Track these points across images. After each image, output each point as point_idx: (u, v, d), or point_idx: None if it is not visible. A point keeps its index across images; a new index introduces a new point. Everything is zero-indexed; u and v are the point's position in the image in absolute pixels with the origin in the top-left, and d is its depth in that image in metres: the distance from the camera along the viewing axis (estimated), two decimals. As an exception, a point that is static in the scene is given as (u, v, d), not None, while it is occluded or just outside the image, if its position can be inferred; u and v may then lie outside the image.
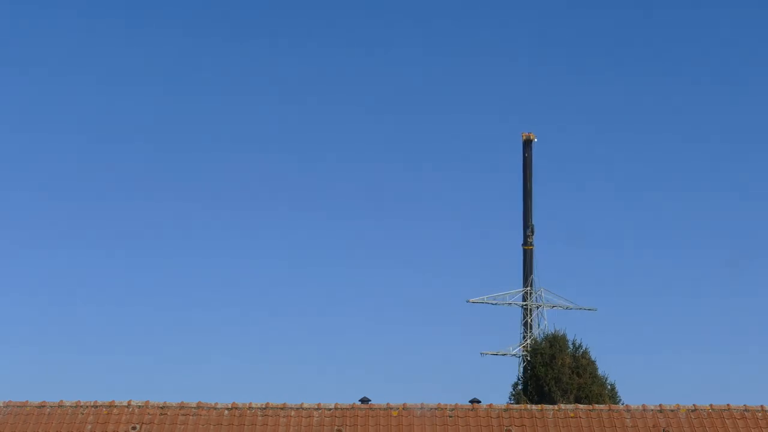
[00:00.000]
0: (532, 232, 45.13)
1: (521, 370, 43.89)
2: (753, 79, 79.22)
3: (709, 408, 31.69)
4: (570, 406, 31.79)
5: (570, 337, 42.93)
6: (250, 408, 31.35)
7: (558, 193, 76.53)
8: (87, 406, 31.30)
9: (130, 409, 31.20)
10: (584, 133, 78.59)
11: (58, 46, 78.74)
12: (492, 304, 44.37)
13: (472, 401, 32.21)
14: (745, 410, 31.67)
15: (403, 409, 31.45)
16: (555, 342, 42.72)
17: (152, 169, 77.30)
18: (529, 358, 43.38)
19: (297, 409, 31.33)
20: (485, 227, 75.29)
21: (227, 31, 79.20)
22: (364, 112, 79.60)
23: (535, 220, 48.73)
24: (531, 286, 46.90)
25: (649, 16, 79.68)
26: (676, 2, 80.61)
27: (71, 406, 31.25)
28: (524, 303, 47.72)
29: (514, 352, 43.64)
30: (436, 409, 31.45)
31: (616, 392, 42.61)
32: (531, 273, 47.17)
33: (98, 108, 77.20)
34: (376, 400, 31.96)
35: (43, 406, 31.25)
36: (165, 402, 31.44)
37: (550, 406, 31.89)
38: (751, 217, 75.86)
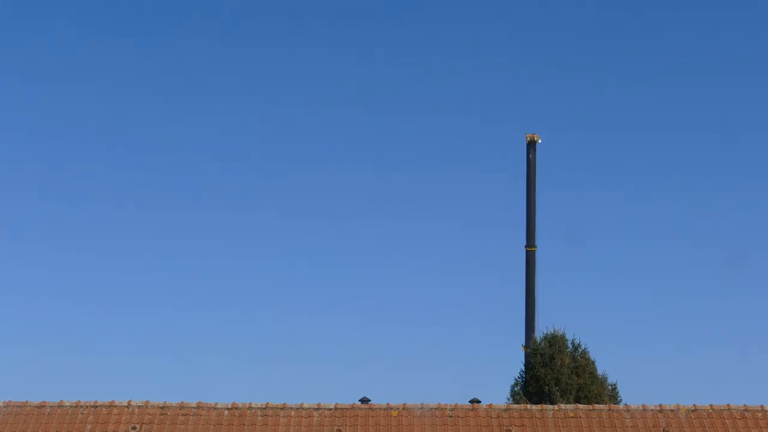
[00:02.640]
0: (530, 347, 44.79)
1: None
2: (755, 79, 79.05)
3: (709, 408, 31.69)
4: (570, 406, 31.80)
5: (569, 337, 42.92)
6: (250, 408, 31.35)
7: (558, 193, 76.37)
8: (87, 406, 31.30)
9: (130, 409, 31.20)
10: (585, 134, 78.45)
11: (52, 52, 78.53)
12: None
13: (472, 401, 32.21)
14: (745, 410, 31.67)
15: (403, 409, 31.45)
16: (554, 342, 42.66)
17: (150, 169, 77.12)
18: (529, 359, 43.26)
19: (297, 409, 31.33)
20: (487, 228, 75.12)
21: (219, 35, 78.98)
22: (364, 113, 79.41)
23: (537, 220, 48.76)
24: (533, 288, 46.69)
25: (650, 16, 79.53)
26: (677, 2, 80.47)
27: (71, 406, 31.25)
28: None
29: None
30: (436, 409, 31.45)
31: (617, 392, 42.55)
32: (533, 275, 46.96)
33: (98, 112, 77.05)
34: (376, 400, 31.97)
35: (43, 406, 31.25)
36: (165, 402, 31.45)
37: (550, 406, 31.90)
38: (752, 217, 75.64)
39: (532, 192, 47.08)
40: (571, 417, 31.34)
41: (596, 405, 32.26)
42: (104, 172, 76.30)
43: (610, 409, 31.71)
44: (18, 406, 31.25)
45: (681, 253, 74.77)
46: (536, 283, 46.77)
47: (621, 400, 42.00)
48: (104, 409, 31.18)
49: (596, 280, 73.24)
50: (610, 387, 42.23)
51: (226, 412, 31.18)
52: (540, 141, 47.01)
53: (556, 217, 74.14)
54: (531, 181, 47.18)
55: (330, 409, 31.37)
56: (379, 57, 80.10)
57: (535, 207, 47.25)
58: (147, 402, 31.41)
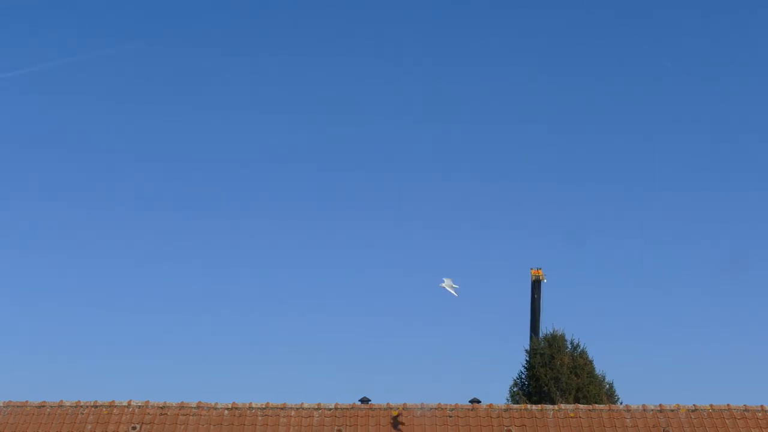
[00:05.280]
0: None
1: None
2: (755, 79, 79.06)
3: (709, 408, 31.70)
4: (570, 406, 31.80)
5: (568, 337, 42.95)
6: (250, 408, 31.36)
7: (557, 193, 76.43)
8: (87, 406, 31.31)
9: (130, 409, 31.20)
10: (585, 134, 78.46)
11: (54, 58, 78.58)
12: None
13: (472, 401, 32.21)
14: (745, 410, 31.68)
15: (403, 409, 31.45)
16: (554, 342, 42.69)
17: (150, 169, 77.20)
18: (528, 359, 43.27)
19: (297, 409, 31.34)
20: (487, 229, 75.21)
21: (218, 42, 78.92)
22: (367, 115, 79.39)
23: (534, 220, 48.90)
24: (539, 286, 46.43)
25: (648, 16, 79.53)
26: (673, 3, 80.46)
27: (71, 406, 31.26)
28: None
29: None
30: (436, 409, 31.45)
31: (614, 391, 42.57)
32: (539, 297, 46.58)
33: (94, 117, 77.11)
34: (376, 400, 31.97)
35: (43, 406, 31.26)
36: (165, 402, 31.45)
37: (550, 406, 31.90)
38: (752, 217, 75.64)
39: (537, 327, 45.75)
40: (571, 417, 31.34)
41: (596, 405, 32.26)
42: (107, 175, 76.36)
43: (610, 409, 31.71)
44: (18, 406, 31.25)
45: (681, 252, 74.82)
46: (542, 299, 46.09)
47: (618, 399, 42.02)
48: (104, 409, 31.19)
49: (596, 280, 73.26)
50: (607, 386, 42.27)
51: (226, 412, 31.18)
52: (545, 281, 45.86)
53: (556, 216, 74.23)
54: (536, 319, 45.90)
55: (330, 409, 31.37)
56: (383, 60, 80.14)
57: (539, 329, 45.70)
58: (147, 402, 31.42)
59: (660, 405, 31.79)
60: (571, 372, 41.70)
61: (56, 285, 74.38)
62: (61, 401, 31.38)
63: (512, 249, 72.66)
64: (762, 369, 62.40)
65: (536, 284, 45.29)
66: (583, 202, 76.69)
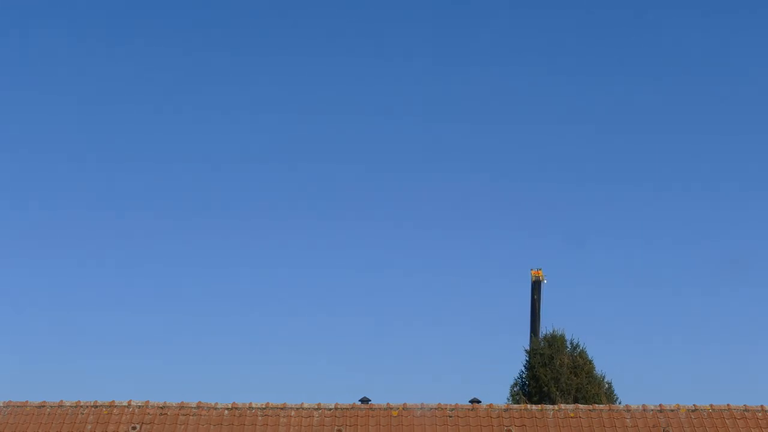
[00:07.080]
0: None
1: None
2: (754, 78, 79.00)
3: (709, 408, 31.69)
4: (570, 406, 31.78)
5: (568, 337, 42.98)
6: (250, 408, 31.35)
7: (557, 193, 76.39)
8: (87, 406, 31.30)
9: (130, 409, 31.19)
10: (585, 133, 78.44)
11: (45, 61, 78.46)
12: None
13: (472, 401, 32.20)
14: (745, 410, 31.67)
15: (403, 409, 31.44)
16: (553, 342, 42.72)
17: (150, 169, 77.19)
18: (528, 359, 43.27)
19: (297, 409, 31.33)
20: (488, 229, 75.16)
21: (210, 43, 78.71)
22: (371, 116, 79.31)
23: (534, 219, 48.91)
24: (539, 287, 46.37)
25: (643, 16, 79.51)
26: (673, 3, 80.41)
27: (71, 406, 31.25)
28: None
29: None
30: (436, 409, 31.44)
31: (613, 391, 42.58)
32: (539, 297, 46.52)
33: (93, 117, 77.04)
34: (376, 400, 31.96)
35: (43, 406, 31.25)
36: (165, 402, 31.44)
37: (550, 406, 31.88)
38: (752, 217, 75.60)
39: (536, 327, 45.65)
40: (571, 417, 31.33)
41: (596, 405, 32.24)
42: (106, 175, 76.35)
43: (610, 409, 31.69)
44: (18, 406, 31.24)
45: (681, 253, 74.81)
46: (541, 300, 46.08)
47: (617, 399, 42.03)
48: (104, 409, 31.18)
49: (596, 281, 73.26)
50: (606, 385, 42.27)
51: (226, 412, 31.18)
52: (546, 282, 45.79)
53: (556, 216, 74.20)
54: (536, 320, 45.83)
55: (330, 409, 31.36)
56: (383, 60, 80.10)
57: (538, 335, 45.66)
58: (147, 402, 31.41)
59: (660, 405, 31.78)
60: (570, 372, 41.71)
61: (56, 285, 74.40)
62: (61, 401, 31.37)
63: (512, 249, 72.71)
64: (762, 369, 62.41)
65: (536, 285, 45.27)
66: (583, 202, 76.72)
